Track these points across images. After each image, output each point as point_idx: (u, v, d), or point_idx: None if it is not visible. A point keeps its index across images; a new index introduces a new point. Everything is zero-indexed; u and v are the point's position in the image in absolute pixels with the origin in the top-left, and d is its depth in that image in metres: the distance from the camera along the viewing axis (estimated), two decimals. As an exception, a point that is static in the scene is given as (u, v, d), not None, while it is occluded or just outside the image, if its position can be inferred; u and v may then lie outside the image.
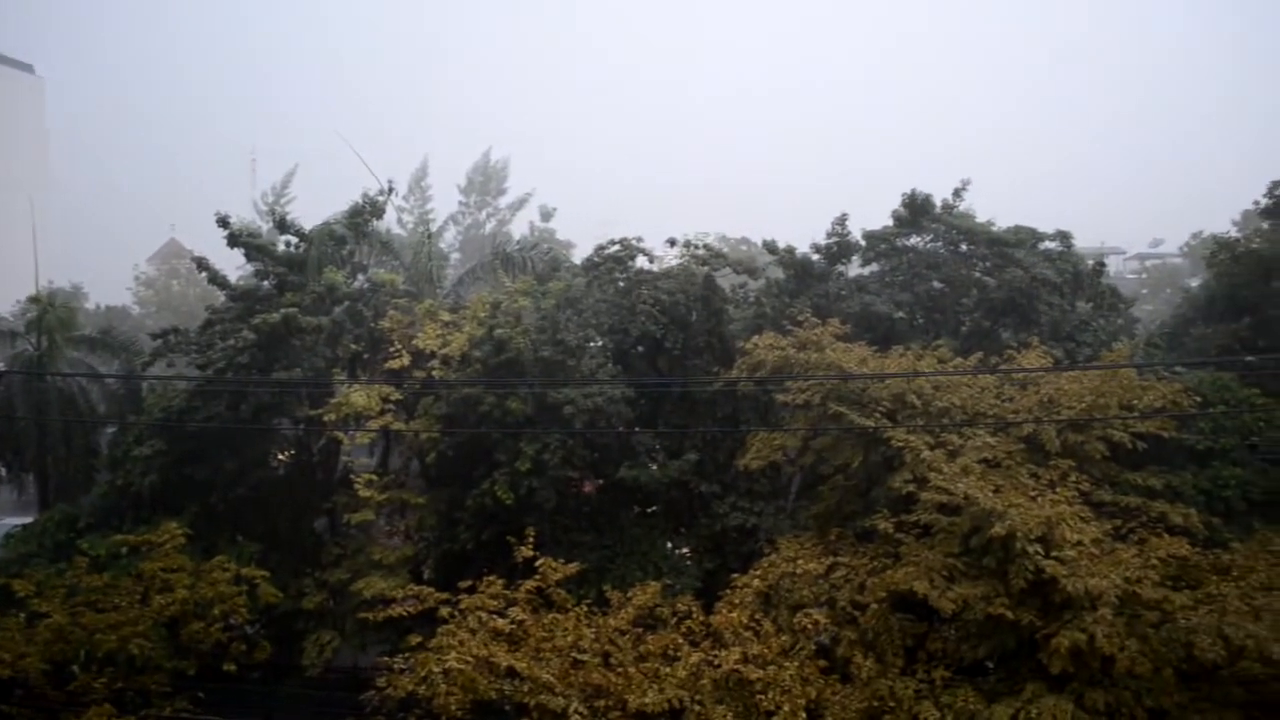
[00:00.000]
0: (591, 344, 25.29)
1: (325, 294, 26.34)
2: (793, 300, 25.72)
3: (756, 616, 17.45)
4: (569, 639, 16.84)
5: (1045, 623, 15.07)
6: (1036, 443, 18.44)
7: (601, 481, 24.73)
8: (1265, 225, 26.47)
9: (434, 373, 24.20)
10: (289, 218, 29.41)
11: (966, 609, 15.62)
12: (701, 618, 17.53)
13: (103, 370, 32.55)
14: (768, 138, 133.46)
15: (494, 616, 17.20)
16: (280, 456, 28.38)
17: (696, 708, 15.70)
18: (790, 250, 27.17)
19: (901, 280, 27.70)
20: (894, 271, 28.20)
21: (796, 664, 16.32)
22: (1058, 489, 17.14)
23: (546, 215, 64.55)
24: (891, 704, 15.69)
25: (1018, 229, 27.58)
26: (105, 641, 19.33)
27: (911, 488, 17.31)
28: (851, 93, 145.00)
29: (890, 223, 28.06)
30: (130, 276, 69.72)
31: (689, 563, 23.52)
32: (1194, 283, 41.61)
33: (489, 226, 64.42)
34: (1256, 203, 26.97)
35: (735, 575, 19.32)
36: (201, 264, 28.59)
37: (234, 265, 35.80)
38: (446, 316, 25.69)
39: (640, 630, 17.43)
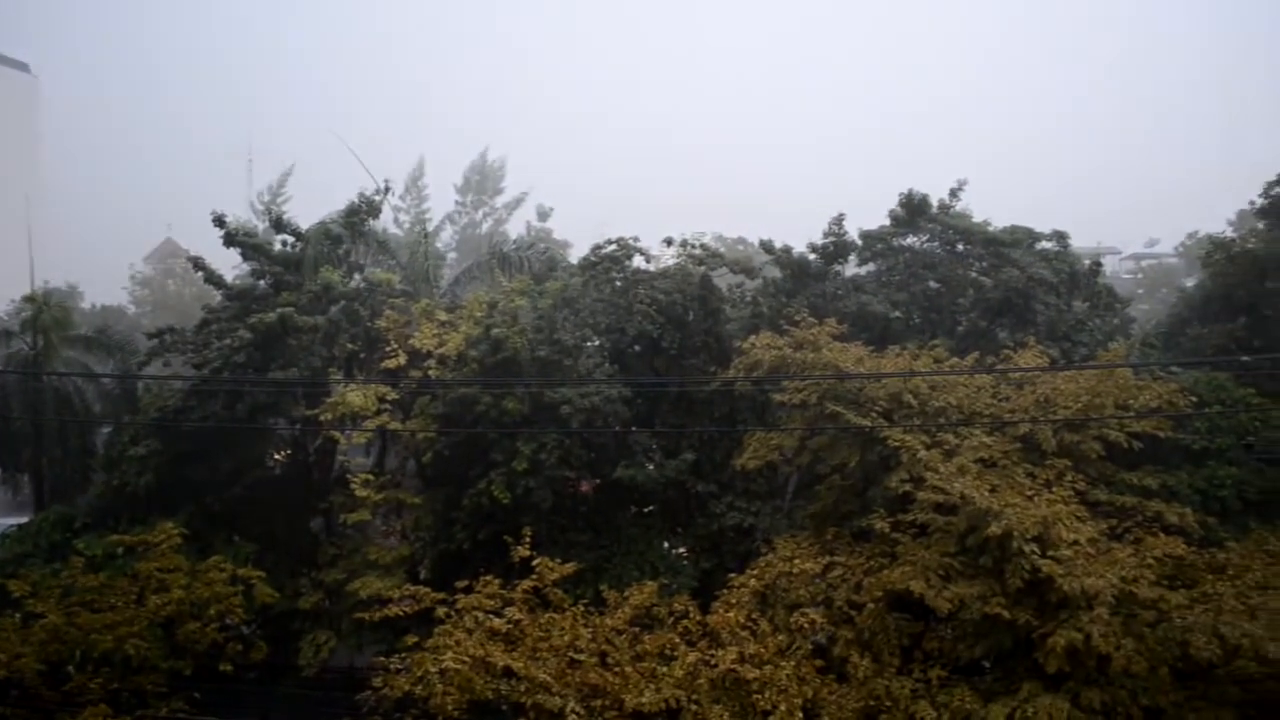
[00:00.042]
0: (588, 344, 25.32)
1: (321, 293, 26.32)
2: (789, 300, 25.72)
3: (753, 616, 17.47)
4: (566, 639, 16.84)
5: (1041, 622, 15.11)
6: (1033, 442, 18.47)
7: (598, 481, 24.74)
8: (1260, 225, 26.52)
9: (430, 372, 24.19)
10: (285, 217, 29.36)
11: (963, 608, 15.65)
12: (698, 617, 17.54)
13: (98, 370, 32.48)
14: (766, 138, 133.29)
15: (490, 616, 17.20)
16: (276, 456, 28.40)
17: (693, 707, 15.71)
18: (787, 250, 27.18)
19: (898, 280, 27.73)
20: (891, 271, 28.23)
21: (793, 663, 16.34)
22: (1054, 488, 17.19)
23: (543, 215, 64.49)
24: (888, 703, 15.72)
25: (1014, 229, 27.62)
26: (101, 642, 19.30)
27: (908, 487, 17.32)
28: (849, 92, 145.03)
29: (887, 223, 28.10)
30: (126, 276, 69.47)
31: (686, 562, 23.54)
32: (1190, 283, 41.65)
33: (485, 226, 64.39)
34: (1252, 203, 27.04)
35: (732, 575, 19.34)
36: (197, 263, 28.58)
37: (230, 265, 35.76)
38: (443, 316, 25.69)
39: (637, 630, 17.44)
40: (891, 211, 27.95)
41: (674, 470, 23.26)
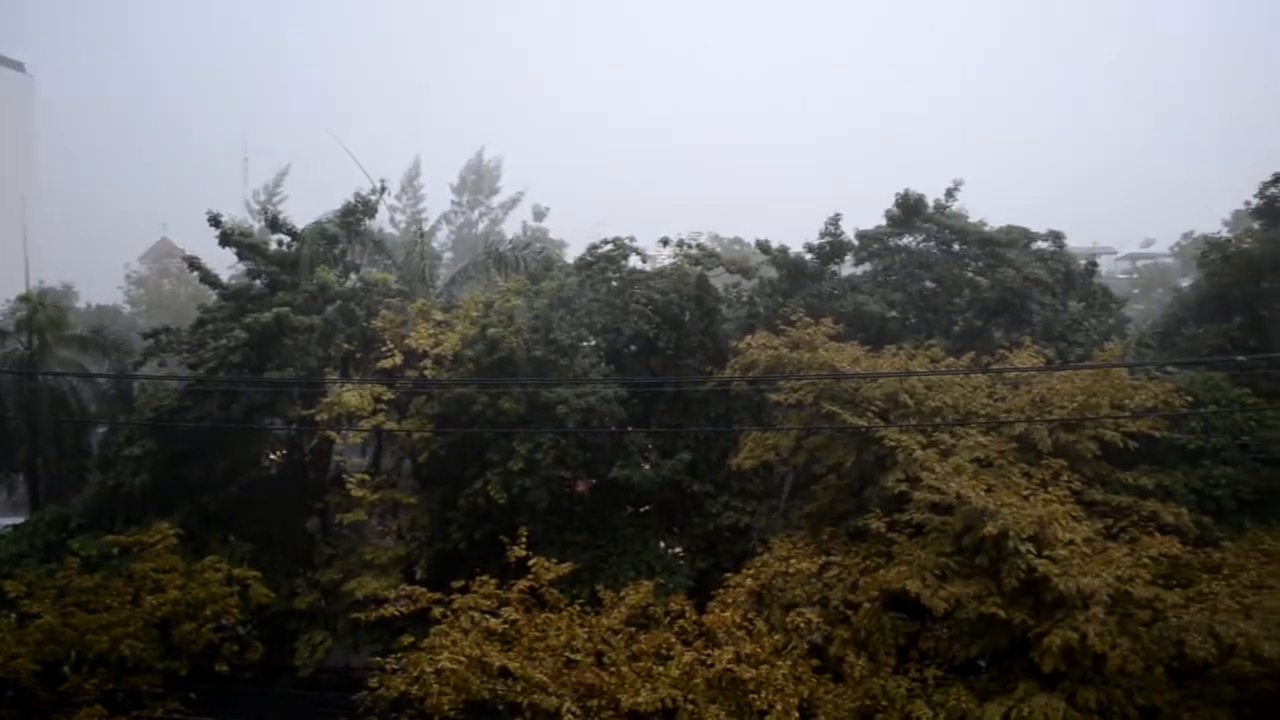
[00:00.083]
0: (584, 343, 25.31)
1: (317, 293, 26.28)
2: (786, 300, 25.71)
3: (749, 616, 17.47)
4: (562, 638, 16.85)
5: (1037, 621, 15.12)
6: (1028, 442, 18.50)
7: (594, 481, 24.75)
8: (1256, 225, 26.53)
9: (426, 372, 24.16)
10: (281, 217, 29.29)
11: (959, 608, 15.67)
12: (694, 617, 17.54)
13: (93, 370, 32.42)
14: (766, 138, 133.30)
15: (486, 616, 17.21)
16: (272, 456, 28.35)
17: (689, 707, 15.71)
18: (783, 250, 27.17)
19: (894, 280, 27.75)
20: (887, 271, 28.25)
21: (789, 663, 16.34)
22: (1050, 488, 17.22)
23: (539, 214, 64.44)
24: (884, 703, 15.73)
25: (1010, 229, 27.65)
26: (97, 642, 19.27)
27: (904, 487, 17.33)
28: (850, 92, 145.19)
29: (883, 222, 28.12)
30: (121, 275, 69.33)
31: (682, 562, 23.54)
32: (1185, 283, 41.69)
33: (482, 226, 64.30)
34: (1247, 203, 27.10)
35: (728, 575, 19.35)
36: (193, 263, 28.51)
37: (226, 264, 35.67)
38: (439, 316, 25.66)
39: (633, 630, 17.44)
40: (887, 211, 27.97)
41: (670, 470, 23.26)
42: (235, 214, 53.38)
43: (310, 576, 24.44)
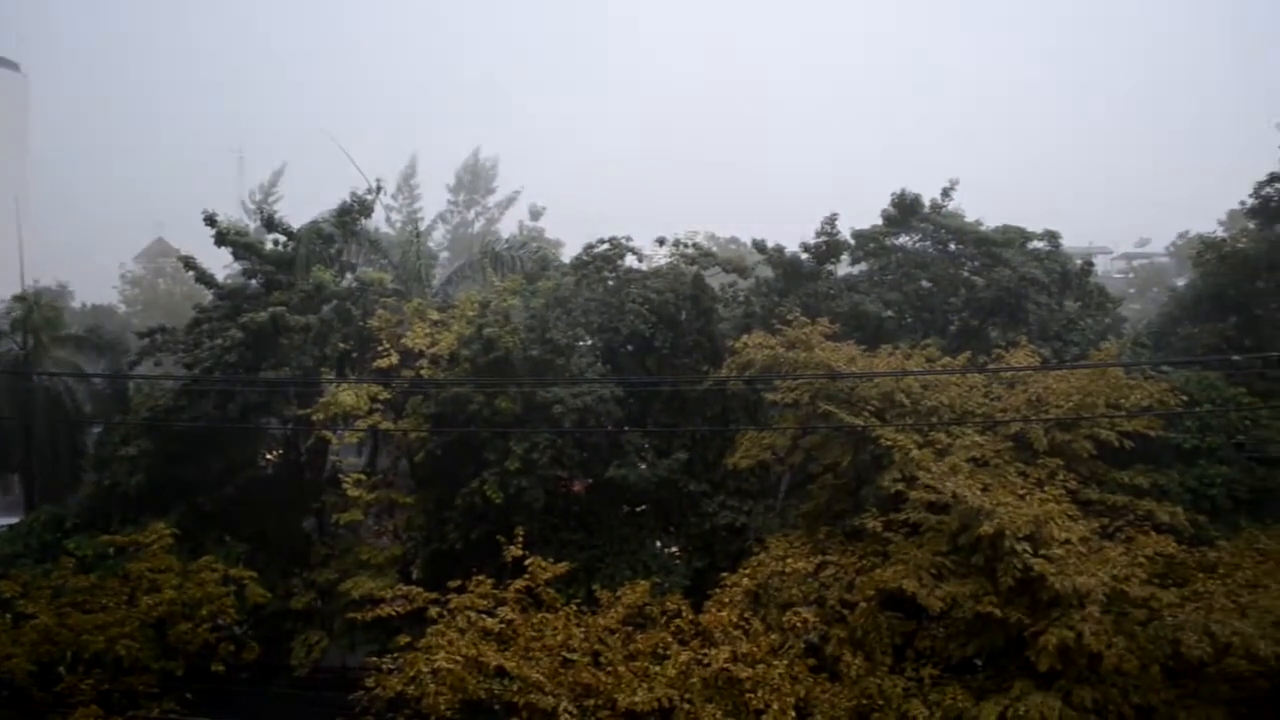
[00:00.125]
0: (580, 343, 25.28)
1: (313, 293, 26.26)
2: (782, 299, 25.70)
3: (746, 615, 17.47)
4: (558, 638, 16.83)
5: (1033, 620, 15.13)
6: (1024, 441, 18.53)
7: (591, 481, 24.72)
8: (1251, 225, 26.56)
9: (423, 372, 24.13)
10: (277, 216, 29.24)
11: (955, 607, 15.68)
12: (691, 616, 17.53)
13: (89, 370, 32.39)
14: (766, 138, 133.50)
15: (483, 616, 17.18)
16: (268, 456, 28.34)
17: (686, 706, 15.70)
18: (779, 249, 27.16)
19: (890, 279, 27.74)
20: (883, 271, 28.24)
21: (785, 662, 16.33)
22: (1046, 487, 17.24)
23: (535, 214, 64.16)
24: (880, 702, 15.73)
25: (1006, 228, 27.66)
26: (92, 642, 19.25)
27: (900, 486, 17.34)
28: (850, 92, 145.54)
29: (879, 222, 28.12)
30: (117, 275, 69.23)
31: (678, 561, 23.52)
32: (1181, 282, 41.71)
33: (478, 225, 64.19)
34: (1242, 203, 27.04)
35: (724, 574, 19.34)
36: (189, 263, 28.46)
37: (221, 264, 35.58)
38: (435, 315, 25.63)
39: (630, 629, 17.43)
40: (884, 211, 27.96)
41: (666, 470, 23.26)
42: (231, 214, 53.22)
43: (306, 576, 24.43)
